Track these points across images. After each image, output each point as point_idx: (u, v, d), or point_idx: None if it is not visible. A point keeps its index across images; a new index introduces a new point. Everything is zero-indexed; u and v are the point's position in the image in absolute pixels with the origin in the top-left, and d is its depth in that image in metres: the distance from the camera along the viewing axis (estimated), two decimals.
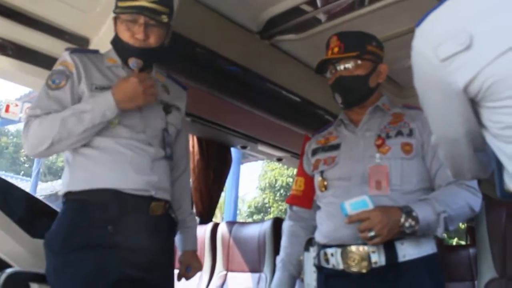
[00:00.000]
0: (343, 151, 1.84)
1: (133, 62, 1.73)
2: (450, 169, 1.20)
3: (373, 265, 1.62)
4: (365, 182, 1.72)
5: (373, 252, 1.62)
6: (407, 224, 1.56)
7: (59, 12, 2.11)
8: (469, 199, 1.67)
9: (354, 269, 1.64)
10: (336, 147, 1.87)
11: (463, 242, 11.37)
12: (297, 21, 2.58)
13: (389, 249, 1.62)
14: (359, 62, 1.79)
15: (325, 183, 1.84)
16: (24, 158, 22.49)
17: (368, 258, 1.62)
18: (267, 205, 17.06)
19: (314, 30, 2.62)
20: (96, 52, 1.85)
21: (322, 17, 2.55)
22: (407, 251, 1.63)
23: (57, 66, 1.74)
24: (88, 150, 1.69)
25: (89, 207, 1.64)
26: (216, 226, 3.49)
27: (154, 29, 1.72)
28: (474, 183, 1.70)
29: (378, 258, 1.61)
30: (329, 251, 1.73)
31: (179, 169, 1.98)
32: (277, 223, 3.13)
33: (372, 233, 1.55)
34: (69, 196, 1.69)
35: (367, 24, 2.40)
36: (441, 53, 0.89)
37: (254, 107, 3.01)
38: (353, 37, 1.85)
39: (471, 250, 4.22)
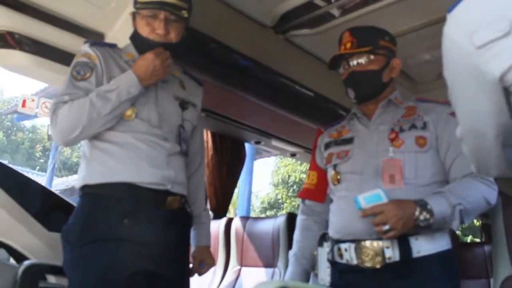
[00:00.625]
0: (356, 145, 1.84)
1: None
2: (474, 165, 1.17)
3: (387, 261, 1.60)
4: (378, 176, 1.71)
5: (387, 247, 1.61)
6: (422, 217, 1.54)
7: (74, 7, 2.13)
8: (484, 191, 1.64)
9: (368, 265, 1.63)
10: (349, 140, 1.87)
11: (477, 240, 11.28)
12: (311, 15, 2.57)
13: (403, 244, 1.61)
14: (372, 57, 1.79)
15: (338, 176, 1.84)
16: (40, 153, 22.75)
17: (382, 253, 1.61)
18: (280, 201, 17.05)
19: (328, 25, 2.61)
20: (114, 46, 1.86)
21: (335, 12, 2.54)
22: (422, 247, 1.62)
23: (79, 58, 1.74)
24: (105, 144, 1.70)
25: (105, 200, 1.65)
26: (230, 221, 3.49)
27: (174, 24, 1.73)
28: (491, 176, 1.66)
29: (392, 254, 1.60)
30: (343, 246, 1.72)
31: (194, 164, 1.99)
32: (291, 218, 3.13)
33: (386, 227, 1.54)
34: (85, 190, 1.70)
35: (381, 18, 2.38)
36: (477, 40, 0.86)
37: (268, 102, 3.00)
38: (366, 32, 1.85)
39: (487, 247, 4.18)
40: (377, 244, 1.63)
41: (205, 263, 1.96)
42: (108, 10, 2.17)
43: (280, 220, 3.20)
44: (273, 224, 3.19)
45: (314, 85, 3.04)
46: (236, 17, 2.54)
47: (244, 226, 3.36)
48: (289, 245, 3.02)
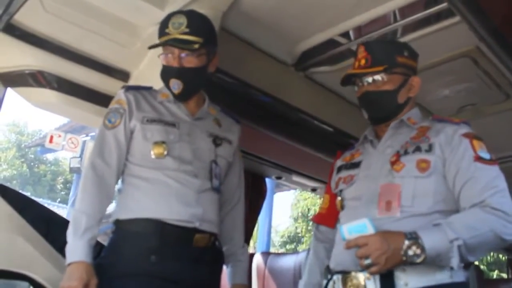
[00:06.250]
0: (362, 169, 1.72)
1: (173, 84, 1.78)
2: None
3: None
4: (374, 202, 1.58)
5: (368, 279, 1.48)
6: (410, 253, 1.36)
7: (102, 47, 2.20)
8: (495, 225, 1.42)
9: None
10: (357, 165, 1.76)
11: (504, 275, 10.98)
12: (331, 53, 2.60)
13: (386, 276, 1.44)
14: (387, 76, 1.67)
15: (342, 203, 1.75)
16: (61, 185, 22.99)
17: (364, 286, 1.49)
18: (299, 234, 16.87)
19: (348, 62, 2.63)
20: (149, 88, 1.93)
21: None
22: (411, 279, 1.44)
23: (113, 105, 1.84)
24: (137, 180, 1.77)
25: (134, 236, 1.69)
26: (251, 256, 3.48)
27: (189, 58, 1.77)
28: (506, 206, 1.45)
29: (374, 287, 1.47)
30: (334, 278, 1.62)
31: (232, 201, 2.01)
32: None
33: (368, 261, 1.38)
34: (117, 224, 1.76)
35: None
36: None
37: (289, 137, 3.02)
38: (382, 48, 1.74)
39: None
40: (361, 276, 1.50)
41: None
42: (134, 50, 2.24)
43: (302, 256, 3.17)
44: (295, 260, 3.18)
45: (334, 120, 3.06)
46: (258, 55, 2.59)
47: (265, 262, 3.34)
48: None
